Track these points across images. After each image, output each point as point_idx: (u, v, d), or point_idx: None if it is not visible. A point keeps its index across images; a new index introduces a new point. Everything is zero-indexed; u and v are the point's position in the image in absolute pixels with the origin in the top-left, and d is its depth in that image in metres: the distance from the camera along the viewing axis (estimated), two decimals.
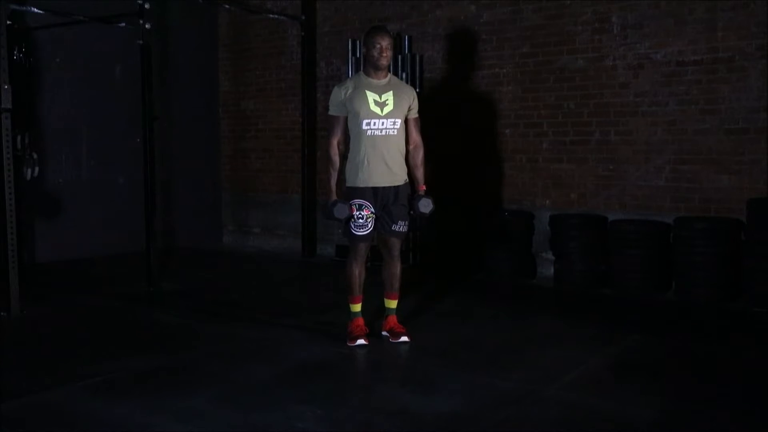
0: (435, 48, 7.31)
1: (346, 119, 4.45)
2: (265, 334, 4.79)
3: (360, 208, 4.37)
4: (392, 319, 4.59)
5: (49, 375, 3.93)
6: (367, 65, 4.44)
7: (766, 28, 5.70)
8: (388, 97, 4.39)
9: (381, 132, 4.36)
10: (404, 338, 4.47)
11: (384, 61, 4.36)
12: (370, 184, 4.38)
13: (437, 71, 7.29)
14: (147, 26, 6.16)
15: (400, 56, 7.05)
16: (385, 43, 4.35)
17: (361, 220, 4.37)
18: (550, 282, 6.44)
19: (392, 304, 4.60)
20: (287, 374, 3.97)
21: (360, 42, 7.33)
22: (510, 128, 6.93)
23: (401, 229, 4.49)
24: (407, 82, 6.90)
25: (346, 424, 3.30)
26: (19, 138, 6.67)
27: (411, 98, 4.51)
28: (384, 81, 4.44)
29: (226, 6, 8.44)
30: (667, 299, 5.89)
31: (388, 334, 4.54)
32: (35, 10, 6.53)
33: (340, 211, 4.33)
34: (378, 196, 4.40)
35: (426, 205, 4.49)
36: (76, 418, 3.37)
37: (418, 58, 7.10)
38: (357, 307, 4.53)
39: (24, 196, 6.99)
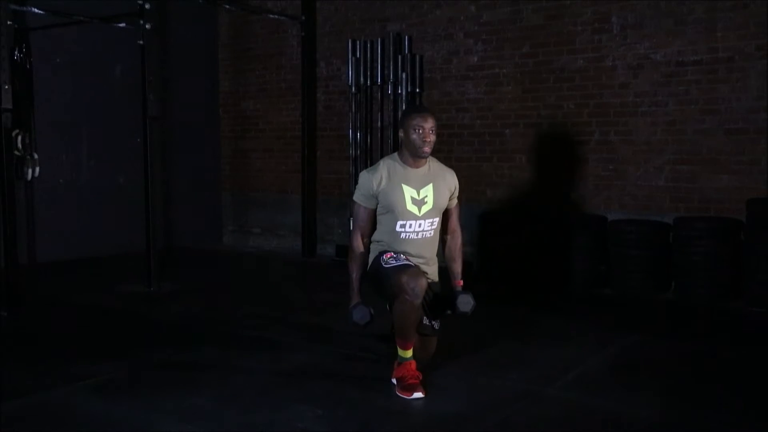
0: (435, 48, 7.31)
1: (374, 211, 3.81)
2: (266, 334, 4.79)
3: (398, 253, 3.73)
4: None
5: (49, 375, 3.92)
6: (405, 150, 3.77)
7: (766, 28, 5.70)
8: (428, 192, 3.76)
9: (417, 235, 3.76)
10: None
11: (427, 150, 3.70)
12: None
13: (437, 71, 7.29)
14: (147, 26, 6.16)
15: (400, 56, 7.05)
16: (428, 126, 3.69)
17: (402, 257, 3.69)
18: (550, 282, 6.44)
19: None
20: (287, 374, 3.96)
21: (360, 43, 7.36)
22: (510, 128, 6.93)
23: (434, 325, 3.88)
24: (407, 82, 6.92)
25: (346, 424, 3.30)
26: (19, 138, 6.67)
27: (452, 186, 3.88)
28: (423, 170, 3.79)
29: (226, 6, 8.44)
30: (667, 299, 5.89)
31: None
32: (35, 10, 6.53)
33: (360, 315, 3.71)
34: None
35: (466, 303, 3.85)
36: (76, 418, 3.37)
37: (418, 58, 7.10)
38: (409, 353, 3.69)
39: (24, 196, 7.01)
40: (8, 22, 5.43)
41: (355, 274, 3.79)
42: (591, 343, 4.57)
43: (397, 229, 3.75)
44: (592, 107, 6.50)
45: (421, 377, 3.64)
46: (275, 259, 8.09)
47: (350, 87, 7.47)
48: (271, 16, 8.35)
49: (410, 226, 3.75)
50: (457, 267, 3.99)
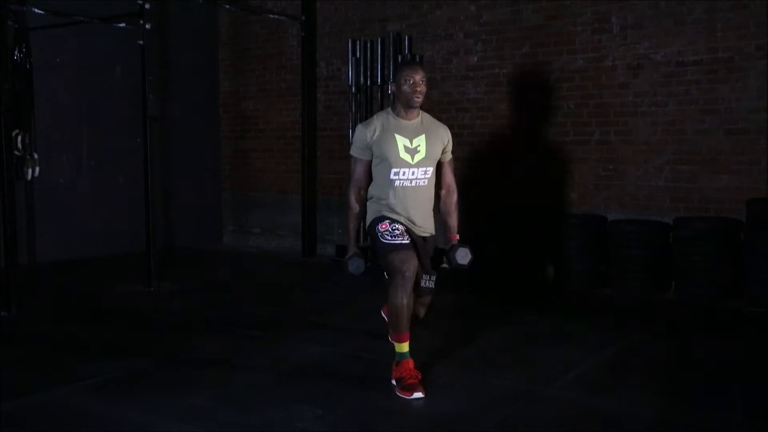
0: (435, 48, 7.31)
1: (369, 163, 3.88)
2: (265, 334, 4.79)
3: (393, 222, 3.80)
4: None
5: (49, 375, 3.93)
6: (397, 103, 3.87)
7: (766, 28, 5.70)
8: (420, 142, 3.83)
9: (411, 183, 3.82)
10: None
11: (418, 98, 3.78)
12: (401, 220, 3.83)
13: (437, 71, 7.29)
14: (147, 26, 6.16)
15: (400, 56, 7.05)
16: (418, 77, 3.78)
17: (397, 231, 3.76)
18: (550, 282, 6.44)
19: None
20: (287, 374, 3.97)
21: (360, 43, 7.37)
22: (510, 128, 6.93)
23: (429, 284, 3.98)
24: None
25: (346, 424, 3.31)
26: (19, 138, 6.68)
27: (446, 140, 3.94)
28: (416, 121, 3.88)
29: (226, 6, 8.44)
30: (667, 299, 5.89)
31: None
32: (35, 10, 6.54)
33: (355, 266, 3.81)
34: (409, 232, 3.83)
35: (464, 256, 3.93)
36: (76, 418, 3.38)
37: (418, 58, 7.10)
38: (405, 347, 3.72)
39: (24, 196, 7.01)
40: (8, 22, 5.43)
41: (351, 225, 3.93)
42: (591, 343, 4.57)
43: (391, 176, 3.82)
44: (592, 107, 6.50)
45: (420, 377, 3.66)
46: (275, 259, 8.09)
47: (350, 87, 7.48)
48: (271, 16, 8.35)
49: (404, 173, 3.82)
50: (453, 221, 4.06)
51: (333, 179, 8.17)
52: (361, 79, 7.40)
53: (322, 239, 8.21)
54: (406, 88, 3.78)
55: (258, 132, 8.85)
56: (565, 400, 3.58)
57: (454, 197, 4.07)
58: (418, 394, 3.55)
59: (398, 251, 3.67)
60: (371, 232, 3.87)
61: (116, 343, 4.61)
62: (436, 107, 6.91)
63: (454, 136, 4.06)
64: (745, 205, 5.66)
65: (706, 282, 5.66)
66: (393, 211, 3.83)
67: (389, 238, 3.74)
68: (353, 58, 7.37)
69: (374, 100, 7.48)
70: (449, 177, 4.05)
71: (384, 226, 3.78)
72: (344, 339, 4.49)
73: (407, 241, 3.74)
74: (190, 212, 8.68)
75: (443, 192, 4.06)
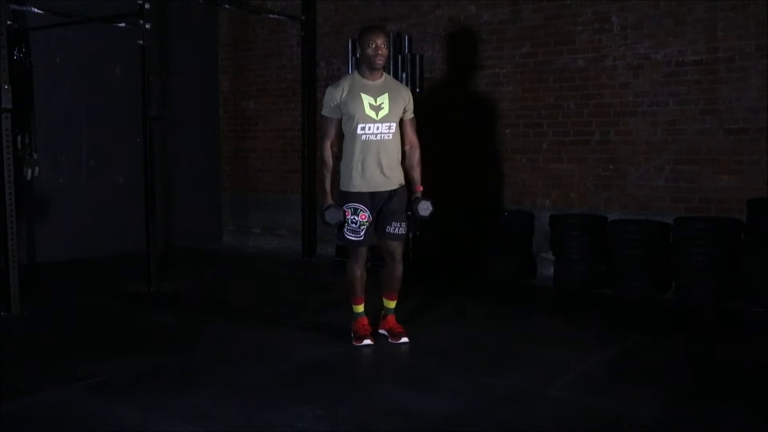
0: (435, 48, 7.31)
1: (339, 121, 4.36)
2: (265, 334, 4.79)
3: (355, 212, 4.31)
4: (391, 319, 4.57)
5: (49, 375, 3.93)
6: (362, 65, 4.32)
7: (766, 28, 5.70)
8: (384, 100, 4.28)
9: (376, 137, 4.27)
10: (404, 339, 4.46)
11: (380, 61, 4.24)
12: (365, 189, 4.31)
13: (437, 71, 7.29)
14: (147, 26, 6.16)
15: (400, 56, 7.05)
16: (380, 41, 4.22)
17: (354, 225, 4.31)
18: (550, 282, 6.44)
19: (391, 304, 4.57)
20: (287, 374, 3.97)
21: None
22: (510, 128, 6.93)
23: (399, 231, 4.39)
24: (407, 83, 6.91)
25: (346, 424, 3.31)
26: (19, 138, 6.67)
27: (407, 99, 4.40)
28: (379, 82, 4.33)
29: (226, 6, 8.44)
30: (667, 299, 5.89)
31: (386, 333, 4.53)
32: (35, 10, 6.53)
33: (332, 216, 4.29)
34: (374, 200, 4.33)
35: (425, 208, 4.44)
36: (76, 418, 3.38)
37: (418, 58, 7.10)
38: (360, 308, 4.52)
39: (24, 196, 7.00)
40: (8, 22, 5.43)
41: (326, 180, 4.41)
42: (591, 343, 4.57)
43: (358, 132, 4.26)
44: (592, 107, 6.50)
45: (370, 330, 4.47)
46: (275, 259, 8.09)
47: None
48: (271, 16, 8.35)
49: (369, 128, 4.26)
50: (417, 174, 4.50)
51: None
52: None
53: (322, 239, 8.21)
54: (369, 51, 4.22)
55: (258, 132, 8.85)
56: (565, 400, 3.58)
57: (417, 152, 4.49)
58: (367, 341, 4.40)
59: (354, 245, 4.37)
60: (339, 200, 4.38)
61: (116, 343, 4.61)
62: (436, 107, 6.91)
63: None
64: (745, 205, 5.66)
65: (706, 282, 5.66)
66: (361, 174, 4.27)
67: (347, 232, 4.34)
68: (353, 58, 7.36)
69: None
70: (411, 134, 4.47)
71: (348, 214, 4.30)
72: (344, 339, 4.49)
73: (360, 239, 4.33)
74: (190, 212, 8.68)
75: (407, 148, 4.46)
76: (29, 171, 6.86)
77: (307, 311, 5.50)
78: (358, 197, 4.32)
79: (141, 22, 6.15)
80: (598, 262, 6.19)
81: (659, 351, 4.47)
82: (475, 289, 6.34)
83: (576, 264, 6.23)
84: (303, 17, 8.01)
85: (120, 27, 6.85)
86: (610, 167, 6.44)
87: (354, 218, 4.31)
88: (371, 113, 4.25)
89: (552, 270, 6.47)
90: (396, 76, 7.08)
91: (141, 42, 6.17)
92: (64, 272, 7.00)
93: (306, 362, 4.19)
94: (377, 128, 4.26)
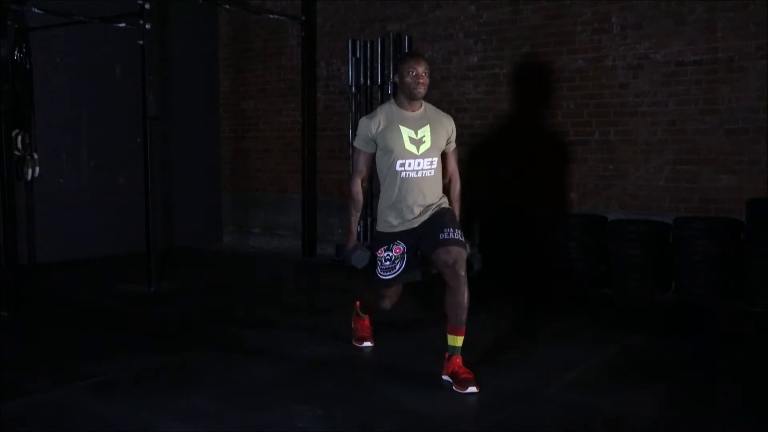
0: (435, 48, 7.31)
1: (373, 156, 3.91)
2: (265, 334, 4.79)
3: (389, 248, 3.86)
4: (457, 362, 3.76)
5: (49, 375, 3.93)
6: (401, 95, 3.89)
7: (766, 28, 5.70)
8: (425, 132, 3.86)
9: (417, 174, 3.83)
10: (472, 388, 3.60)
11: (421, 90, 3.82)
12: (403, 229, 3.87)
13: (437, 71, 7.29)
14: (147, 26, 6.16)
15: (400, 56, 7.04)
16: (420, 69, 3.82)
17: (388, 262, 3.85)
18: (550, 282, 6.44)
19: (457, 341, 3.78)
20: (287, 374, 3.97)
21: (360, 43, 7.37)
22: (510, 128, 6.93)
23: (454, 235, 3.74)
24: None
25: (346, 424, 3.31)
26: (19, 138, 6.67)
27: (450, 130, 3.98)
28: (419, 112, 3.91)
29: (226, 6, 8.44)
30: (667, 299, 5.89)
31: (450, 380, 3.74)
32: (35, 10, 6.53)
33: (358, 259, 3.88)
34: (413, 232, 3.87)
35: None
36: (76, 418, 3.37)
37: None
38: (365, 314, 4.45)
39: (24, 196, 7.01)
40: (8, 22, 5.43)
41: (353, 217, 4.01)
42: (591, 343, 4.57)
43: (397, 168, 3.84)
44: (592, 107, 6.50)
45: (371, 332, 4.41)
46: (275, 259, 8.09)
47: (350, 87, 7.48)
48: (271, 16, 8.35)
49: (409, 164, 3.83)
50: (455, 211, 4.05)
51: (333, 179, 8.17)
52: (361, 79, 7.41)
53: (322, 239, 8.21)
54: (408, 79, 3.81)
55: (258, 132, 8.85)
56: (565, 400, 3.58)
57: (458, 186, 4.09)
58: (368, 343, 4.39)
59: (384, 286, 3.96)
60: (373, 246, 3.99)
61: (116, 343, 4.61)
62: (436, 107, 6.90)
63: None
64: (745, 205, 5.66)
65: (706, 282, 5.66)
66: (400, 215, 3.86)
67: (383, 273, 3.88)
68: (353, 58, 7.37)
69: (374, 99, 7.48)
70: (453, 166, 4.06)
71: (380, 253, 3.88)
72: (344, 339, 4.49)
73: (393, 276, 3.87)
74: (190, 212, 8.68)
75: (446, 181, 4.05)
76: (29, 171, 6.86)
77: (307, 311, 5.50)
78: (394, 236, 3.90)
79: (141, 22, 6.15)
80: (598, 262, 6.18)
81: (659, 351, 4.47)
82: (475, 289, 6.33)
83: (576, 264, 6.22)
84: (303, 17, 8.02)
85: (120, 27, 6.85)
86: (610, 167, 6.44)
87: (388, 254, 3.87)
88: (411, 148, 3.83)
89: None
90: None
91: (141, 42, 6.18)
92: (64, 272, 7.00)
93: (306, 362, 4.19)
94: (418, 164, 3.84)
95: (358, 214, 4.04)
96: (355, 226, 4.02)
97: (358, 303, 4.45)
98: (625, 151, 6.37)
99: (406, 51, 7.02)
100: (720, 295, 5.64)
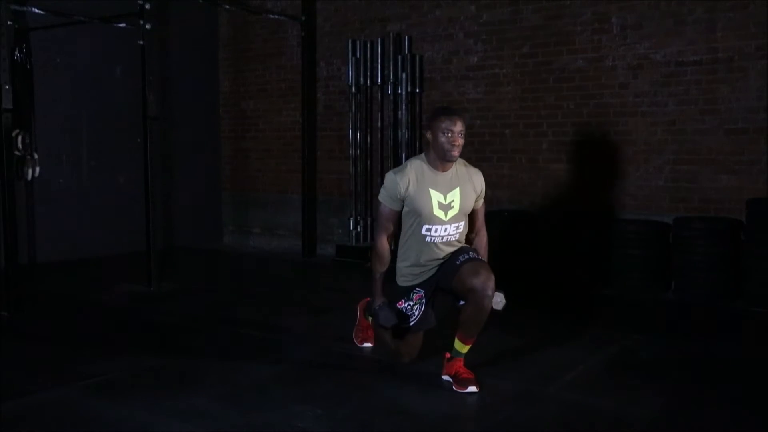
0: (435, 48, 7.31)
1: (399, 213, 3.78)
2: (265, 334, 4.79)
3: (408, 297, 3.86)
4: (459, 363, 3.75)
5: (49, 375, 3.93)
6: (431, 154, 3.71)
7: (766, 28, 5.70)
8: (454, 197, 3.72)
9: (442, 239, 3.74)
10: (472, 387, 3.61)
11: (455, 153, 3.64)
12: (424, 279, 3.86)
13: (437, 71, 7.29)
14: (147, 26, 6.16)
15: (400, 56, 7.05)
16: (457, 129, 3.61)
17: (408, 312, 3.86)
18: (550, 282, 6.44)
19: (464, 348, 3.76)
20: (287, 374, 3.97)
21: (360, 43, 7.37)
22: (509, 128, 6.93)
23: (474, 255, 3.72)
24: (407, 83, 6.92)
25: (346, 424, 3.30)
26: (19, 138, 6.67)
27: (479, 189, 3.84)
28: (450, 173, 3.74)
29: (226, 6, 8.44)
30: (667, 299, 5.89)
31: (450, 379, 3.75)
32: (35, 10, 6.53)
33: (386, 318, 3.82)
34: (432, 276, 3.85)
35: (498, 302, 3.72)
36: (76, 418, 3.37)
37: (418, 58, 7.10)
38: (365, 317, 4.41)
39: (24, 196, 7.01)
40: (8, 22, 5.43)
41: (379, 274, 3.85)
42: (591, 343, 4.57)
43: (423, 232, 3.73)
44: (592, 107, 6.50)
45: (372, 335, 4.29)
46: (275, 259, 8.09)
47: (350, 87, 7.48)
48: (271, 16, 8.36)
49: (436, 230, 3.73)
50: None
51: (333, 179, 8.17)
52: (361, 79, 7.41)
53: (322, 239, 8.21)
54: (443, 139, 3.63)
55: (258, 132, 8.85)
56: (565, 400, 3.58)
57: (484, 241, 3.97)
58: (368, 344, 4.35)
59: (408, 344, 3.96)
60: (393, 297, 3.92)
61: (116, 343, 4.61)
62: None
63: None
64: (745, 205, 5.66)
65: (706, 282, 5.66)
66: (419, 273, 3.83)
67: (410, 320, 3.85)
68: (353, 58, 7.37)
69: (374, 100, 7.49)
70: (480, 221, 3.94)
71: (401, 304, 3.87)
72: (344, 339, 4.49)
73: (416, 318, 3.83)
74: (190, 212, 8.68)
75: (473, 236, 3.95)
76: (29, 171, 6.86)
77: (307, 311, 5.50)
78: (413, 285, 3.88)
79: (141, 22, 6.15)
80: (598, 262, 6.17)
81: (659, 351, 4.47)
82: None
83: (576, 264, 6.21)
84: (303, 17, 8.02)
85: (120, 27, 6.85)
86: (610, 167, 6.44)
87: (407, 304, 3.86)
88: (439, 214, 3.70)
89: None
90: (396, 76, 7.09)
91: (141, 42, 6.18)
92: (64, 272, 7.00)
93: (306, 362, 4.19)
94: (445, 230, 3.73)
95: (384, 272, 3.86)
96: (381, 285, 3.86)
97: (361, 304, 4.44)
98: (625, 151, 6.37)
99: (406, 53, 7.01)
100: (720, 295, 5.64)
